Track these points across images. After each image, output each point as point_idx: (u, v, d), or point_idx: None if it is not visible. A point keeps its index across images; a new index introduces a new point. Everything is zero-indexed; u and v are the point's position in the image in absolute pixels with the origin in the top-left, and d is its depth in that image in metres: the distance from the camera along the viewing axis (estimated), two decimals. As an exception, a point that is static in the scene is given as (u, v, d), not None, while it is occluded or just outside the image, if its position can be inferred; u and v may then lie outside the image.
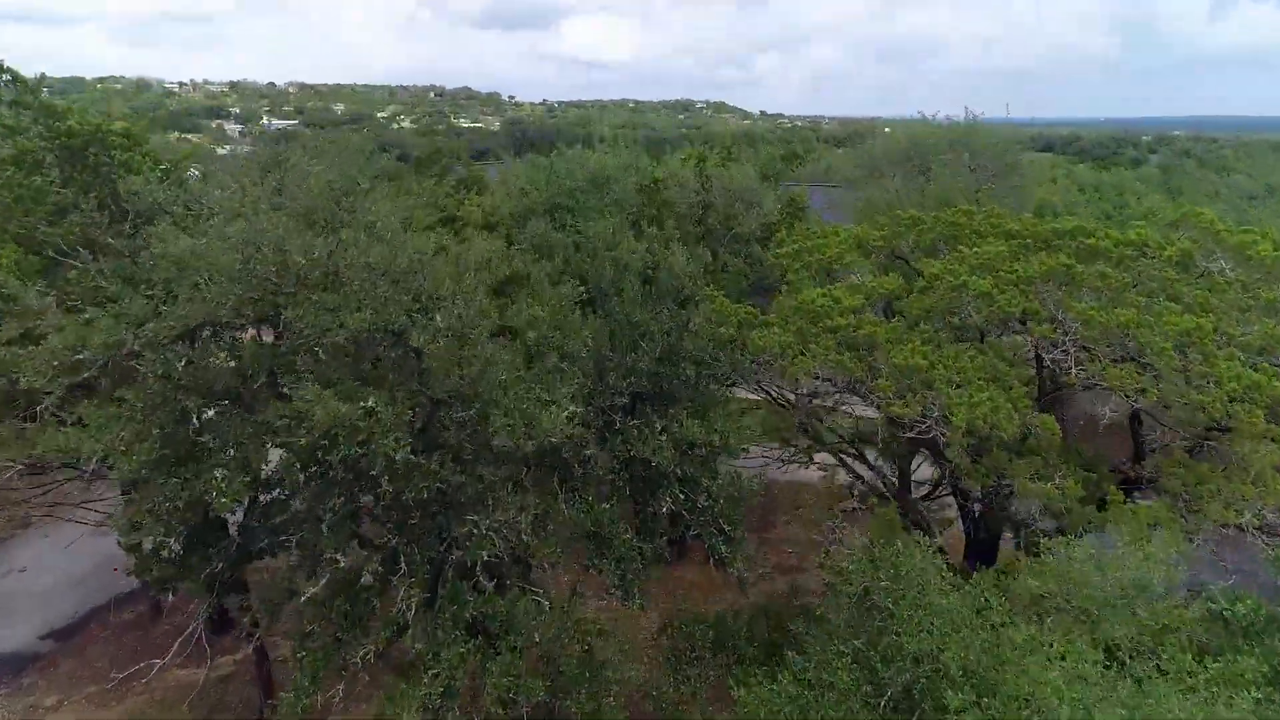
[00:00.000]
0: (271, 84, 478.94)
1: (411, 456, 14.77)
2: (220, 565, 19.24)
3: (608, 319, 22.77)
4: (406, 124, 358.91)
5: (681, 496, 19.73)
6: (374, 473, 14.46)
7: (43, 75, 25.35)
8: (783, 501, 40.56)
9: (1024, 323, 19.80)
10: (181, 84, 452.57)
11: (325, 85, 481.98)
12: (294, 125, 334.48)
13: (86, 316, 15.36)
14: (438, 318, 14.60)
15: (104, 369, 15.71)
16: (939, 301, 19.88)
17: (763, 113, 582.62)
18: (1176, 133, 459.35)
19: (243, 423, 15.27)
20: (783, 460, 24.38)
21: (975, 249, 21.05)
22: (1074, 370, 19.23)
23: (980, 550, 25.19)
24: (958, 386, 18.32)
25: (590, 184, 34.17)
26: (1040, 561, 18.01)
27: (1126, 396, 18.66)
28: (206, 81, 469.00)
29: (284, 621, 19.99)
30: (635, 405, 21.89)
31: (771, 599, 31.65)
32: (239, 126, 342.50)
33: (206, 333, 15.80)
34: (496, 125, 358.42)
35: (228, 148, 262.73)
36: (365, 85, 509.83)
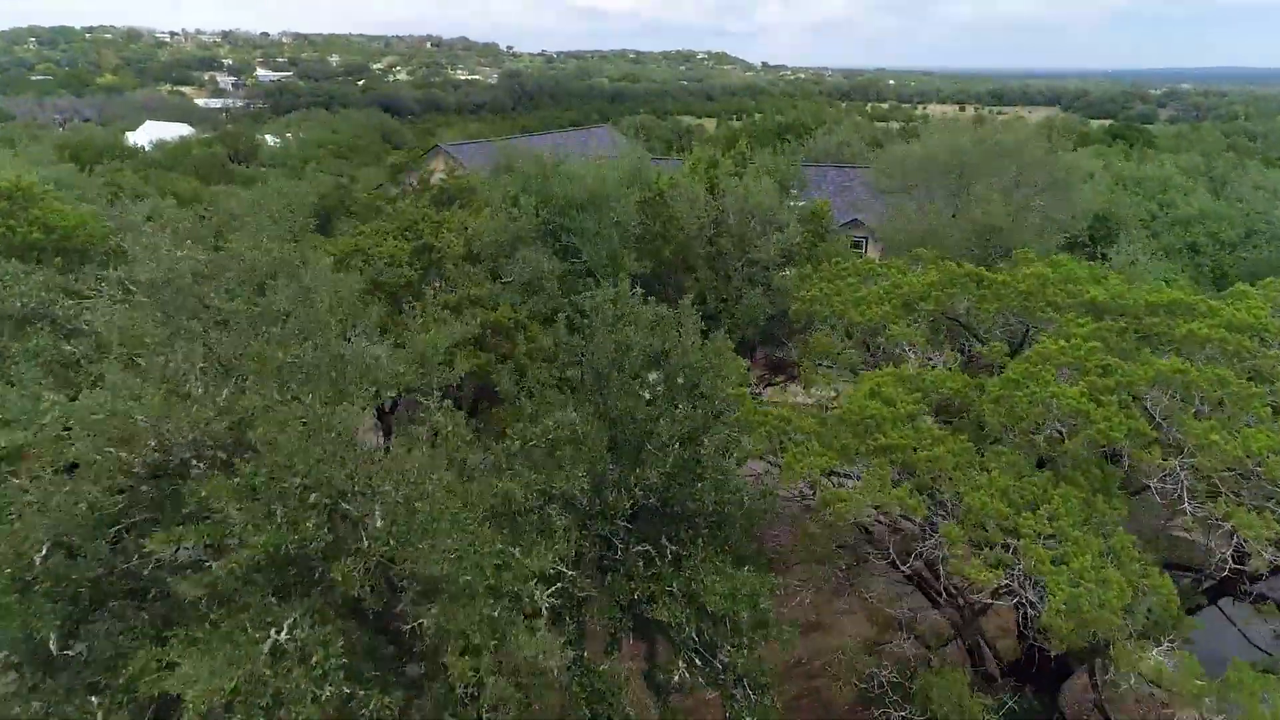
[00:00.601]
0: (265, 34, 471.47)
1: (346, 689, 10.96)
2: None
3: (605, 407, 18.92)
4: (403, 76, 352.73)
5: (699, 662, 15.96)
6: (291, 725, 10.69)
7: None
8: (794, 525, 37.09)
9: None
10: (173, 34, 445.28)
11: (320, 35, 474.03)
12: (288, 77, 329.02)
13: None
14: (377, 513, 10.74)
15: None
16: (1020, 416, 15.96)
17: (765, 64, 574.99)
18: (1185, 86, 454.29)
19: (120, 638, 11.46)
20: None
21: (1059, 344, 17.04)
22: (1189, 507, 15.40)
23: (1033, 664, 21.39)
24: (1049, 537, 14.50)
25: (589, 201, 30.11)
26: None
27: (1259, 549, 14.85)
28: (199, 31, 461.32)
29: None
30: (639, 517, 18.08)
31: (790, 668, 28.19)
32: (232, 79, 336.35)
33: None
34: (494, 78, 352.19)
35: (219, 101, 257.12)
36: (361, 35, 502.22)
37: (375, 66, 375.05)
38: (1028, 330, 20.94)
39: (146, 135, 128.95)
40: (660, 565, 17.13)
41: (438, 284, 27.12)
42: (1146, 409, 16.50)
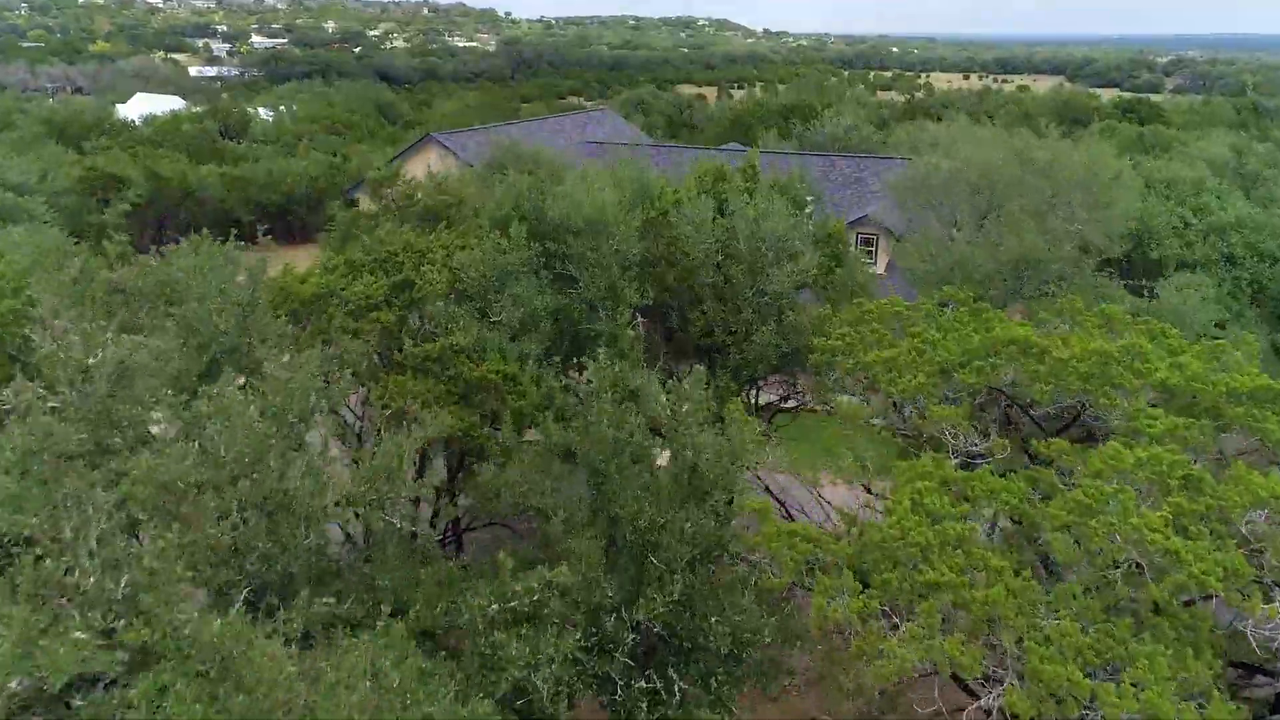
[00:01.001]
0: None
1: None
2: None
3: (604, 501, 16.49)
4: (399, 43, 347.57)
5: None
6: None
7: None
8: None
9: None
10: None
11: (315, 1, 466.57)
12: (283, 44, 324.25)
13: None
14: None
15: None
16: (1095, 550, 13.48)
17: (766, 31, 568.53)
18: (1192, 53, 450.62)
19: None
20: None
21: (1136, 454, 14.53)
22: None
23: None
24: (1138, 688, 12.06)
25: (587, 226, 27.46)
26: None
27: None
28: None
29: None
30: (644, 638, 15.67)
31: None
32: (226, 46, 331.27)
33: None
34: (492, 45, 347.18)
35: (213, 69, 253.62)
36: (356, 1, 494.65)
37: (371, 33, 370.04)
38: (1084, 406, 18.42)
39: (137, 109, 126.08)
40: (667, 704, 14.77)
41: (419, 325, 24.54)
42: (1237, 527, 14.07)
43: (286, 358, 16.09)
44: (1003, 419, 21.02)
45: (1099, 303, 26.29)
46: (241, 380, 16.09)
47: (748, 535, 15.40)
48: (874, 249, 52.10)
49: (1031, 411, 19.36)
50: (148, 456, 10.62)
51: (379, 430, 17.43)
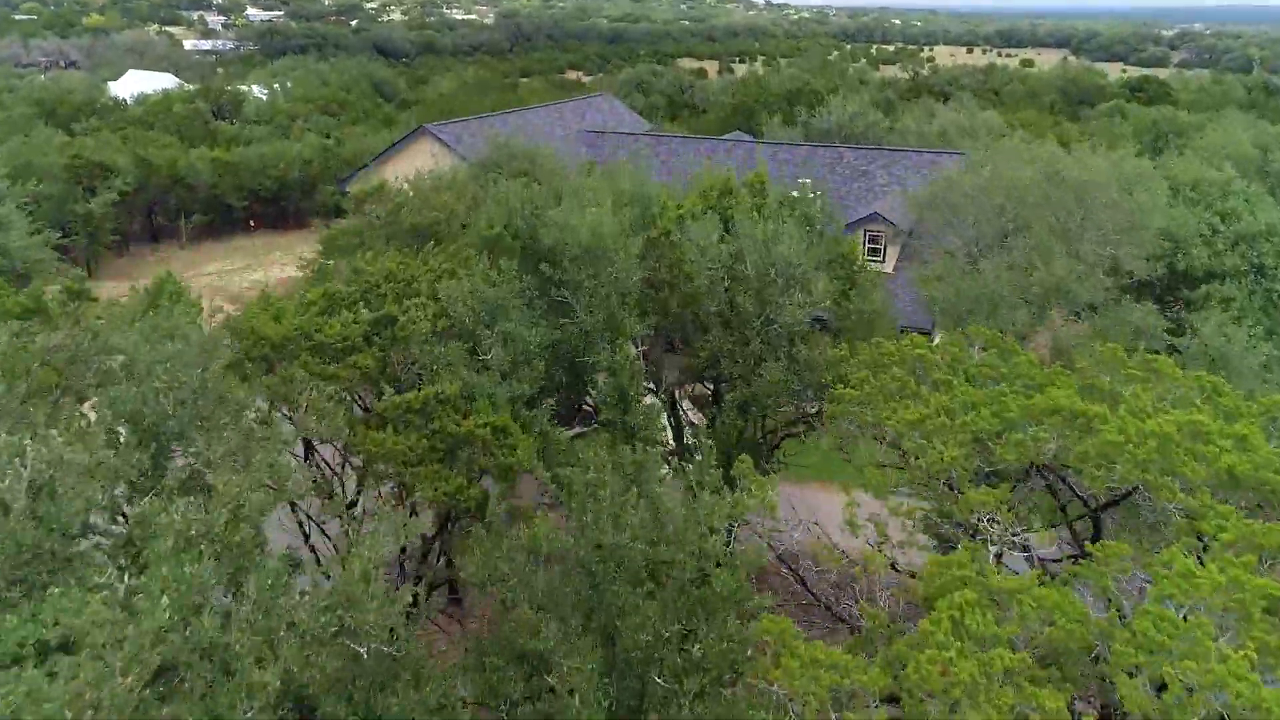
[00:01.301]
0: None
1: None
2: None
3: (599, 600, 14.71)
4: (396, 16, 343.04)
5: None
6: None
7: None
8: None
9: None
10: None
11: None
12: (279, 16, 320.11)
13: None
14: None
15: None
16: (1171, 700, 11.64)
17: (768, 3, 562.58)
18: (1197, 26, 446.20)
19: None
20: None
21: (1213, 575, 12.66)
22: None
23: None
24: None
25: (585, 253, 25.58)
26: None
27: None
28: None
29: None
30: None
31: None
32: (221, 19, 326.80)
33: None
34: (490, 18, 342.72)
35: (208, 43, 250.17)
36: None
37: (369, 5, 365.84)
38: (1137, 488, 16.55)
39: (129, 87, 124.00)
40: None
41: (401, 367, 22.67)
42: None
43: (239, 438, 14.32)
44: (1038, 480, 19.19)
45: (1135, 339, 24.50)
46: (190, 468, 14.31)
47: (763, 660, 13.56)
48: (882, 247, 50.03)
49: (1075, 487, 17.51)
50: (36, 671, 8.76)
51: (346, 531, 15.53)
